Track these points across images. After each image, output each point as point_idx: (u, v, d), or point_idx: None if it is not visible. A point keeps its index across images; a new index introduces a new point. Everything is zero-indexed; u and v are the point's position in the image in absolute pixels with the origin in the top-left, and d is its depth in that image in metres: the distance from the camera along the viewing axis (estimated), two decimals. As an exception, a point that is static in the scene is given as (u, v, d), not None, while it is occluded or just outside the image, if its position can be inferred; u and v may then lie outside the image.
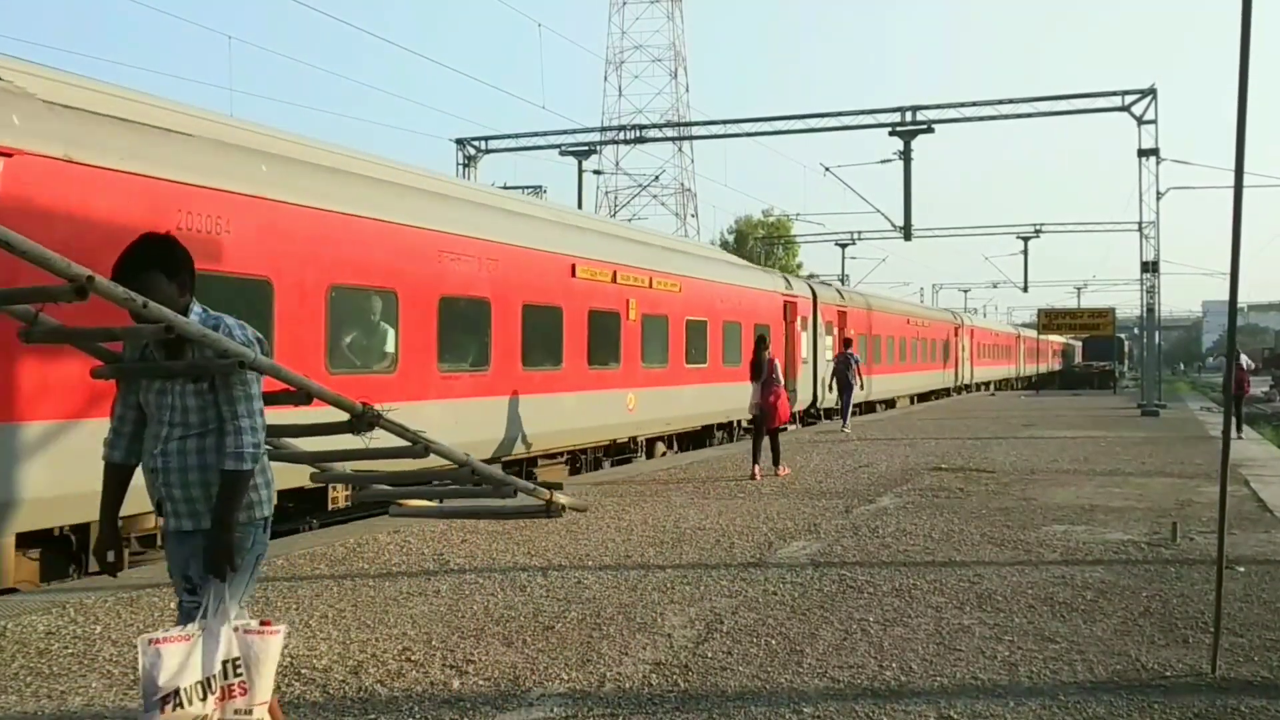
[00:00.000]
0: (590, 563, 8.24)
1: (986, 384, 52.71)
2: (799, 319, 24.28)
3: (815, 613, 6.62)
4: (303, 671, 5.42)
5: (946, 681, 5.28)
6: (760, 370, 14.29)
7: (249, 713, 3.54)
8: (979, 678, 5.34)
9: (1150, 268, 29.87)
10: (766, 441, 14.24)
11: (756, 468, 13.91)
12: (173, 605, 6.74)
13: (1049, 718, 4.76)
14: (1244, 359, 24.92)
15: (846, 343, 24.21)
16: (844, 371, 22.51)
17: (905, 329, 35.53)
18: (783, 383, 14.64)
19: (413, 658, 5.67)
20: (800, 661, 5.60)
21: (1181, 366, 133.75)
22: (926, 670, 5.45)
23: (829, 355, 25.81)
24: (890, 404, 34.51)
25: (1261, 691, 5.11)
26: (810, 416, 26.46)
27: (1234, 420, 24.54)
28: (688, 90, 70.93)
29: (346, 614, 6.60)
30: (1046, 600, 6.94)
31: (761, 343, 14.80)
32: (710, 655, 5.70)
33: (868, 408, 30.03)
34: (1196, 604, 6.82)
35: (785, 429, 15.44)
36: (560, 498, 5.68)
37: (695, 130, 41.28)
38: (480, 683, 5.26)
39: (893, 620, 6.43)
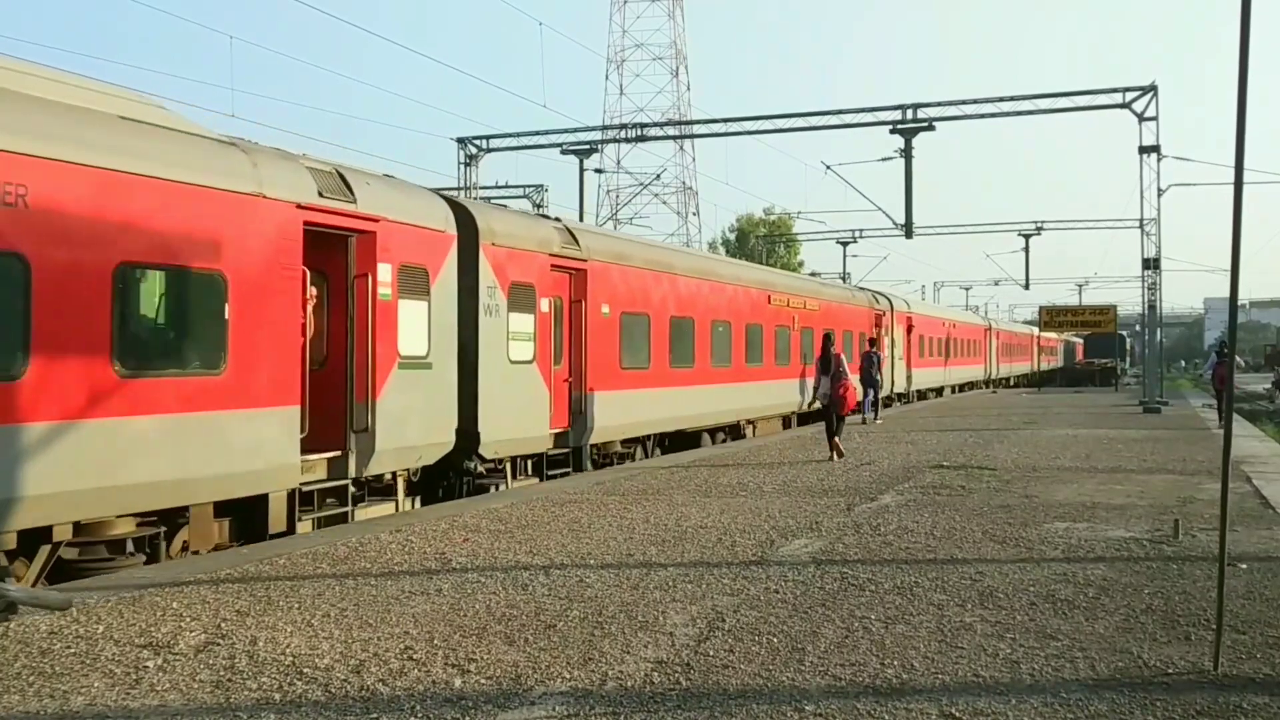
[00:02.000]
0: (592, 561, 8.24)
1: (937, 391, 40.99)
2: (364, 279, 11.11)
3: (817, 611, 6.62)
4: (305, 670, 5.42)
5: (948, 679, 5.27)
6: (828, 365, 16.53)
7: None
8: (981, 675, 5.34)
9: (1151, 265, 29.85)
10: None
11: (831, 450, 16.06)
12: (175, 605, 6.76)
13: (1051, 715, 4.76)
14: None
15: (871, 342, 26.55)
16: (869, 370, 24.35)
17: (755, 312, 21.95)
18: (850, 376, 16.82)
19: (415, 656, 5.68)
20: (802, 659, 5.60)
21: (1182, 364, 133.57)
22: (928, 668, 5.45)
23: (509, 354, 13.68)
24: (733, 431, 21.08)
25: (1264, 689, 5.11)
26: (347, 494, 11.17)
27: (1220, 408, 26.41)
28: (689, 89, 70.93)
29: (348, 613, 6.61)
30: (1048, 597, 6.93)
31: (829, 340, 16.92)
32: (712, 653, 5.70)
33: (678, 440, 18.85)
34: (1199, 601, 6.81)
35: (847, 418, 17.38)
36: (13, 592, 4.23)
37: (696, 129, 41.30)
38: (482, 681, 5.26)
39: (894, 618, 6.43)
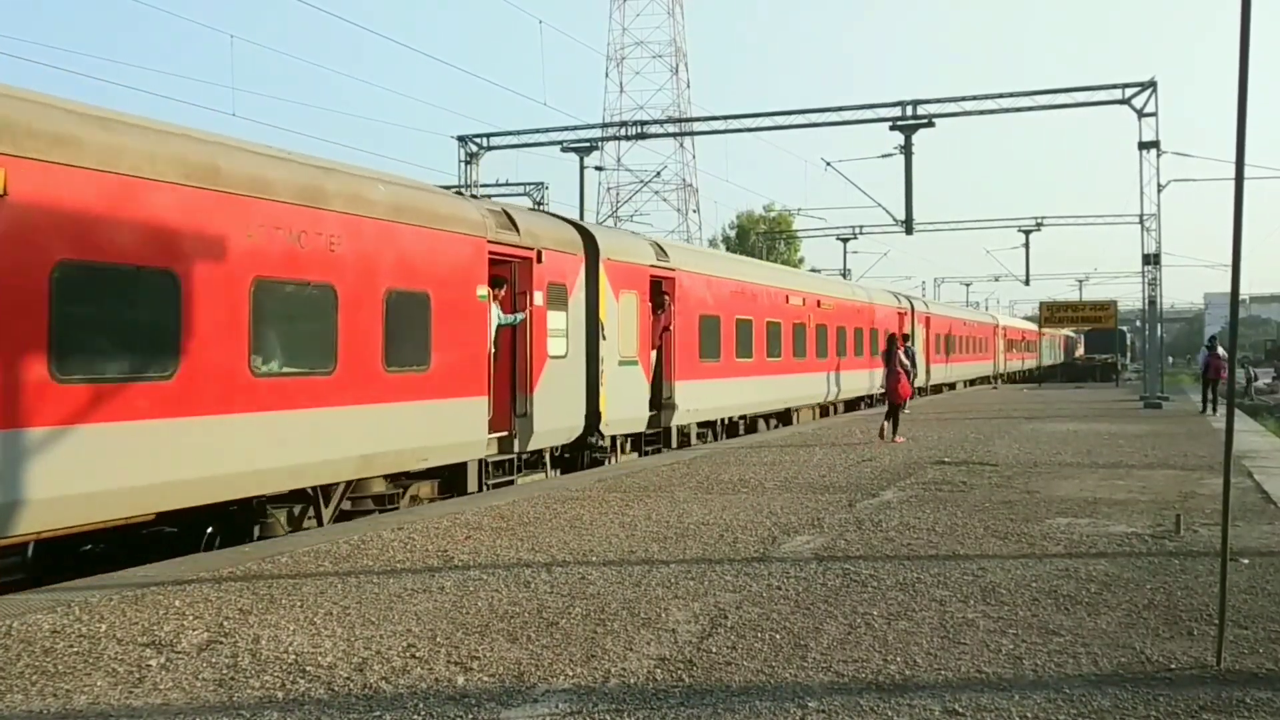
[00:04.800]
0: (594, 558, 8.24)
1: (765, 420, 23.12)
2: None
3: (819, 607, 6.62)
4: (307, 669, 5.42)
5: (951, 675, 5.27)
6: (891, 358, 19.02)
7: None
8: (984, 671, 5.33)
9: (1152, 260, 29.85)
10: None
11: (892, 433, 18.28)
12: (178, 603, 6.76)
13: (1054, 711, 4.75)
14: (1220, 350, 28.08)
15: (905, 337, 26.42)
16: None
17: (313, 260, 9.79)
18: (908, 366, 19.40)
19: (417, 654, 5.68)
20: (805, 656, 5.60)
21: (1170, 359, 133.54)
22: (931, 664, 5.45)
23: None
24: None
25: (1267, 683, 5.11)
26: None
27: (1211, 400, 27.10)
28: (689, 86, 70.97)
29: (351, 611, 6.61)
30: (1050, 593, 6.93)
31: (892, 339, 19.49)
32: (715, 650, 5.70)
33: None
34: (1201, 596, 6.81)
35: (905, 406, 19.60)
36: None
37: (696, 126, 41.16)
38: (485, 679, 5.26)
39: (897, 614, 6.43)
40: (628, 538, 9.13)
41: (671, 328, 18.24)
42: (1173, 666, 5.40)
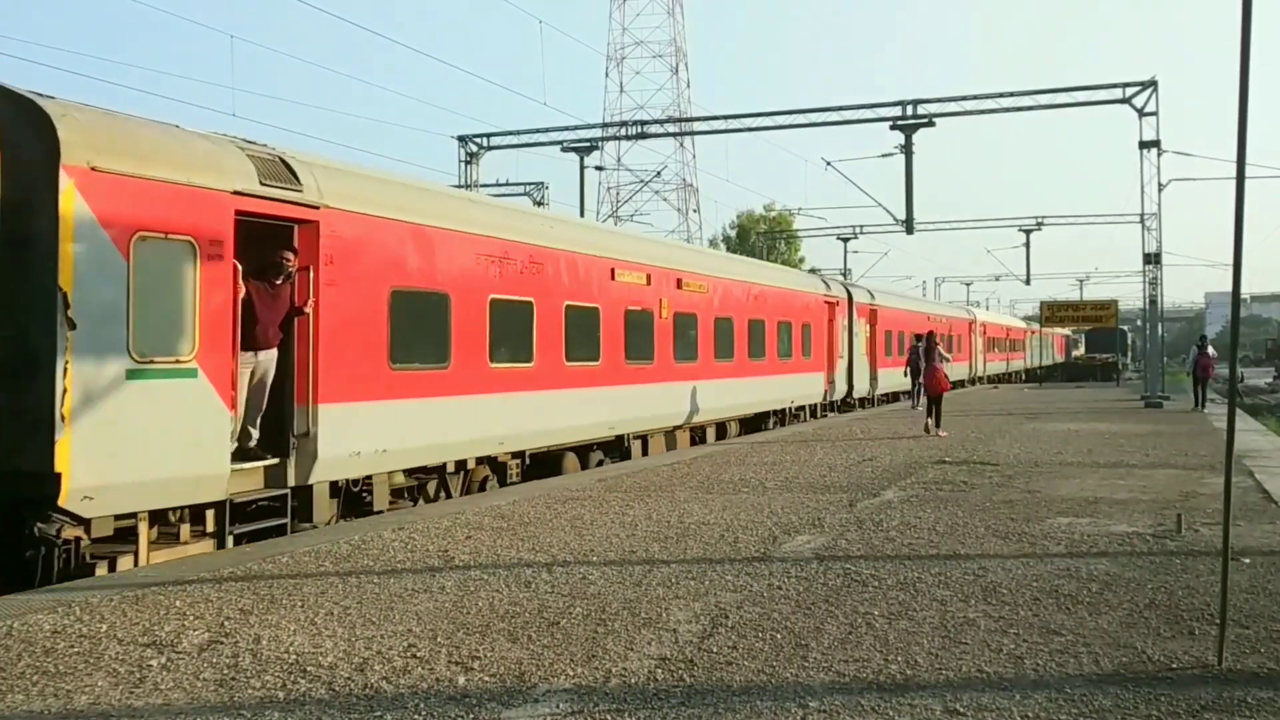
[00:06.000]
0: (595, 558, 8.24)
1: (579, 454, 15.46)
2: None
3: (820, 607, 6.62)
4: (308, 669, 5.42)
5: (952, 675, 5.27)
6: (931, 355, 20.19)
7: None
8: (985, 671, 5.33)
9: (1152, 260, 29.85)
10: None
11: (931, 423, 19.69)
12: (179, 603, 6.76)
13: (1055, 710, 4.75)
14: (1210, 350, 29.25)
15: (924, 337, 26.76)
16: (916, 361, 26.46)
17: None
18: (948, 360, 21.06)
19: (418, 654, 5.67)
20: (806, 656, 5.60)
21: (1167, 359, 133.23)
22: (932, 664, 5.45)
23: None
24: None
25: (1268, 683, 5.10)
26: None
27: (1200, 396, 27.89)
28: (689, 86, 71.03)
29: (351, 611, 6.61)
30: (1052, 593, 6.93)
31: (931, 337, 20.62)
32: (715, 650, 5.70)
33: None
34: (1202, 596, 6.80)
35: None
36: None
37: (696, 126, 41.14)
38: (486, 679, 5.26)
39: (898, 614, 6.43)
40: (628, 537, 9.12)
41: (310, 309, 10.23)
42: (1174, 666, 5.39)
